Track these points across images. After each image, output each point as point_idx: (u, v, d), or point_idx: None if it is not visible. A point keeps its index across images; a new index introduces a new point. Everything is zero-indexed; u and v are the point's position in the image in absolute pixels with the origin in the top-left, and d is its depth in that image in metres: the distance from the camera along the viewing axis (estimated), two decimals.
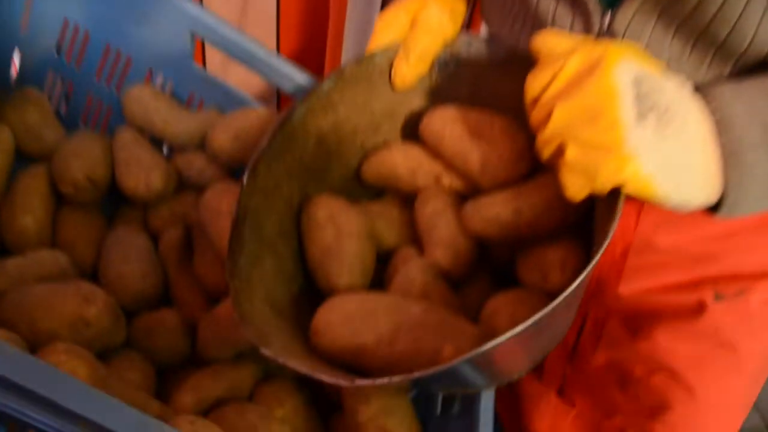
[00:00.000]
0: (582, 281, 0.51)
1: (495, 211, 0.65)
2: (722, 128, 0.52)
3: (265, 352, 0.54)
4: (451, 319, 0.57)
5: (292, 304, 0.66)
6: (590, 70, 0.53)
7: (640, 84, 0.52)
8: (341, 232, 0.68)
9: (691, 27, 0.57)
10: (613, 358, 0.87)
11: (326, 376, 0.52)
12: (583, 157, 0.52)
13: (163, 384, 0.74)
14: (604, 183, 0.52)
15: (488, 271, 0.72)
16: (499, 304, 0.63)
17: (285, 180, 0.69)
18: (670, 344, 0.81)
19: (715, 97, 0.53)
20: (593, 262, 0.51)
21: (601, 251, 0.51)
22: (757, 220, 0.75)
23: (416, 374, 0.49)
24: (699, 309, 0.79)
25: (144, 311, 0.76)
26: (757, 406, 1.65)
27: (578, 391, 0.93)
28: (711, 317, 0.79)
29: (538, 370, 0.97)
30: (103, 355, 0.68)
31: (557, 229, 0.65)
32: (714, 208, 0.56)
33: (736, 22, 0.54)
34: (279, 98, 1.15)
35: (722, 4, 0.53)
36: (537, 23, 0.68)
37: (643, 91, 0.51)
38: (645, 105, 0.51)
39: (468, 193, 0.73)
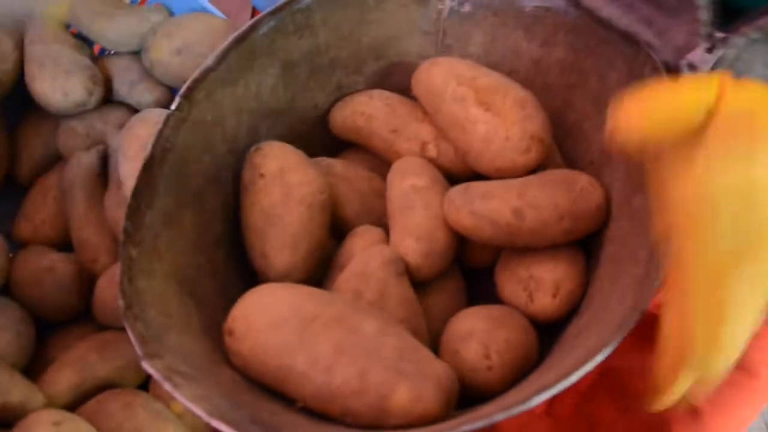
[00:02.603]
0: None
1: (490, 206, 0.51)
2: None
3: (148, 367, 0.39)
4: (410, 348, 0.43)
5: (212, 279, 0.52)
6: None
7: None
8: (290, 194, 0.54)
9: None
10: (609, 365, 0.76)
11: (226, 427, 0.37)
12: None
13: (46, 343, 0.61)
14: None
15: (460, 271, 0.59)
16: (472, 325, 0.50)
17: (231, 114, 0.56)
18: None
19: None
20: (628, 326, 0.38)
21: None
22: None
23: None
24: None
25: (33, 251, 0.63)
26: None
27: (560, 396, 0.82)
28: None
29: None
30: None
31: (559, 243, 0.53)
32: None
33: None
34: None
35: None
36: None
37: None
38: None
39: (457, 172, 0.60)
